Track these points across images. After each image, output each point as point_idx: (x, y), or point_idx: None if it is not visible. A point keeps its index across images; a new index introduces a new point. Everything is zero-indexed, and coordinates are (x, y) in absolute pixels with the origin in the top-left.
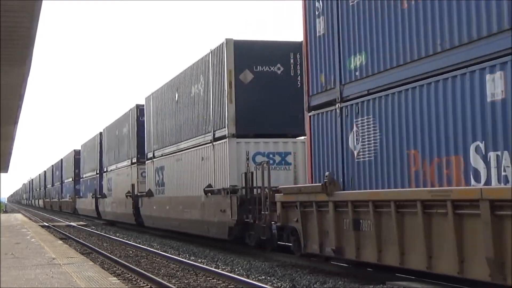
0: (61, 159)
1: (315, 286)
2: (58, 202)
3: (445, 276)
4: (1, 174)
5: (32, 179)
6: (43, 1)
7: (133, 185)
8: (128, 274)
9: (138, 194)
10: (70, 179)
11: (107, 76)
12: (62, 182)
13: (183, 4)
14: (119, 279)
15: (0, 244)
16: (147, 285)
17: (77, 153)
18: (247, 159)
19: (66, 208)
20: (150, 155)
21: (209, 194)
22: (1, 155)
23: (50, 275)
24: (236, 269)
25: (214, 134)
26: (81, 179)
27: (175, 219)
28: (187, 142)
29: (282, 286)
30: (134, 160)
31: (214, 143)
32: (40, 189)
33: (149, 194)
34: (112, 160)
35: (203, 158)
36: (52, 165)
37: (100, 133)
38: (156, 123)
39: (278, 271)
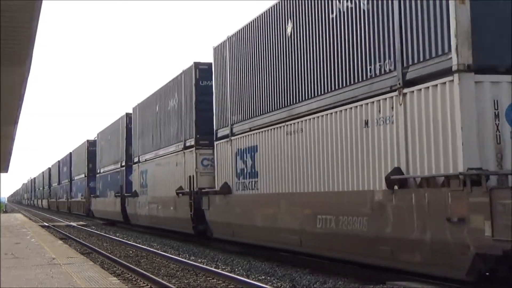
0: (70, 153)
1: (315, 286)
2: (67, 203)
3: (444, 277)
4: (1, 174)
5: (34, 178)
6: (43, 1)
7: (191, 178)
8: (128, 274)
9: (202, 190)
10: (83, 176)
11: (106, 75)
12: (71, 180)
13: None
14: (119, 279)
15: (0, 244)
16: (147, 285)
17: (91, 144)
18: (496, 116)
19: (78, 209)
20: (223, 132)
21: (396, 187)
22: (1, 155)
23: (50, 275)
24: (236, 269)
25: (403, 75)
26: (97, 175)
27: (291, 232)
28: (322, 99)
29: (282, 286)
30: (191, 142)
31: (405, 90)
32: (43, 188)
33: (225, 190)
34: (149, 147)
35: (366, 122)
36: (59, 161)
37: (127, 115)
38: (236, 82)
39: (278, 271)
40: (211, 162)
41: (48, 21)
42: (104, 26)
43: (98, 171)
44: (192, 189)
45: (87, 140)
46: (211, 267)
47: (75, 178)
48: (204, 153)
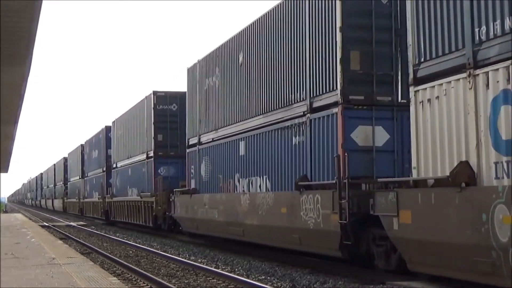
0: (105, 127)
1: (315, 286)
2: (102, 204)
3: (444, 277)
4: (1, 174)
5: (41, 173)
6: (43, 1)
7: None
8: (128, 274)
9: None
10: (140, 158)
11: (104, 75)
12: (107, 169)
13: None
14: (119, 279)
15: (0, 244)
16: (147, 285)
17: (161, 99)
18: None
19: (130, 216)
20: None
21: None
22: (1, 155)
23: (50, 275)
24: (236, 269)
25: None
26: (192, 149)
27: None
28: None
29: (282, 286)
30: None
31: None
32: (55, 185)
33: None
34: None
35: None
36: (82, 145)
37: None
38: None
39: (278, 271)
40: None
41: (48, 21)
42: (107, 24)
43: (196, 141)
44: None
45: (153, 92)
46: (211, 267)
47: (118, 165)
48: None
